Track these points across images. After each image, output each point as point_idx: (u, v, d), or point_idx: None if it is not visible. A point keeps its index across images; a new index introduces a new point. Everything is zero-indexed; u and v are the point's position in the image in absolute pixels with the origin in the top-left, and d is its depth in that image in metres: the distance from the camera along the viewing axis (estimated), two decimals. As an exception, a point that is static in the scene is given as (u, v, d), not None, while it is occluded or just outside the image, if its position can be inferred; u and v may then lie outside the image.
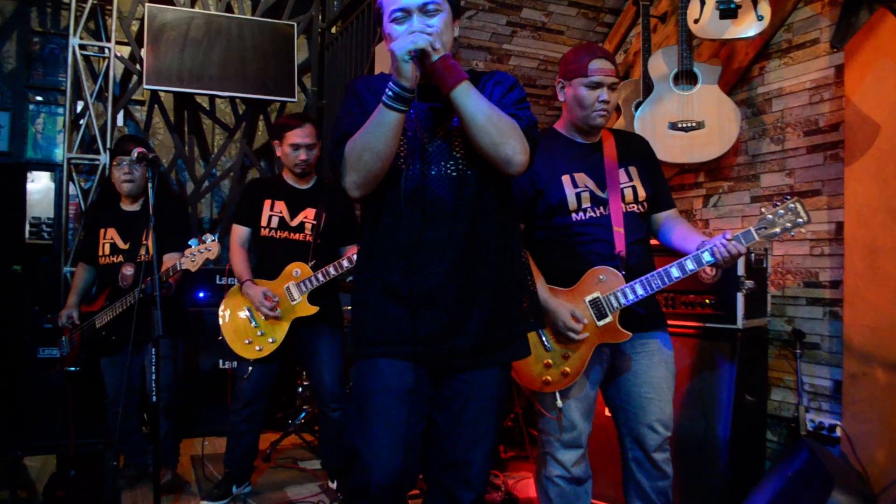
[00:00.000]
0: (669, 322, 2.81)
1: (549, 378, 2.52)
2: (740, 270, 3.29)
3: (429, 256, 1.91)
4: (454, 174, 1.95)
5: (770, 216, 2.41)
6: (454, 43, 2.04)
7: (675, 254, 2.54)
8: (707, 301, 3.41)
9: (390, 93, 1.82)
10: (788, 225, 2.39)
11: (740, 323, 3.29)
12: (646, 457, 2.56)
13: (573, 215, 2.55)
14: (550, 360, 2.52)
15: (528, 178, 2.54)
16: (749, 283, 3.26)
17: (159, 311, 2.89)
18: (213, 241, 3.31)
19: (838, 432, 3.33)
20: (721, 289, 3.35)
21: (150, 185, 3.00)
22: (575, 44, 4.97)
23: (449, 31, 1.97)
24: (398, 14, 1.93)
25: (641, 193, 2.62)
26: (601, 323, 2.50)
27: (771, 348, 3.69)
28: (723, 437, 3.20)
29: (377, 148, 1.86)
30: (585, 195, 2.55)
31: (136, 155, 3.06)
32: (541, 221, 2.60)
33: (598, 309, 2.50)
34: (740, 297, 3.29)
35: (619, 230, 2.54)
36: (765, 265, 3.53)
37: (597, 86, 2.51)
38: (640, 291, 2.48)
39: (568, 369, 2.51)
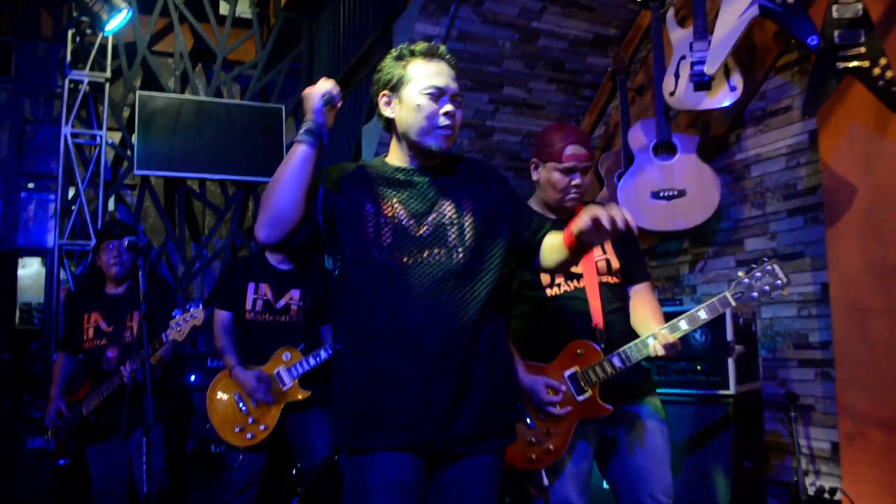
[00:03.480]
0: (661, 390, 2.81)
1: (533, 455, 2.48)
2: (729, 335, 3.30)
3: (426, 343, 1.89)
4: (450, 261, 1.94)
5: (746, 280, 2.39)
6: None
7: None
8: (698, 368, 3.41)
9: (304, 127, 1.90)
10: (767, 288, 2.37)
11: (733, 388, 3.29)
12: None
13: (546, 289, 2.55)
14: (533, 438, 2.48)
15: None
16: (739, 348, 3.27)
17: (150, 398, 2.87)
18: (197, 308, 3.27)
19: (839, 496, 3.29)
20: (711, 355, 3.36)
21: (140, 272, 3.02)
22: (556, 118, 5.10)
23: None
24: (434, 90, 1.99)
25: (615, 264, 2.63)
26: (581, 398, 2.48)
27: (766, 412, 3.67)
28: (723, 505, 3.16)
29: (283, 181, 1.88)
30: None
31: (127, 243, 3.09)
32: (514, 297, 2.60)
33: (576, 384, 2.47)
34: (731, 363, 3.30)
35: (595, 303, 2.54)
36: (753, 329, 3.55)
37: (570, 171, 2.53)
38: (617, 364, 2.44)
39: (551, 446, 2.47)
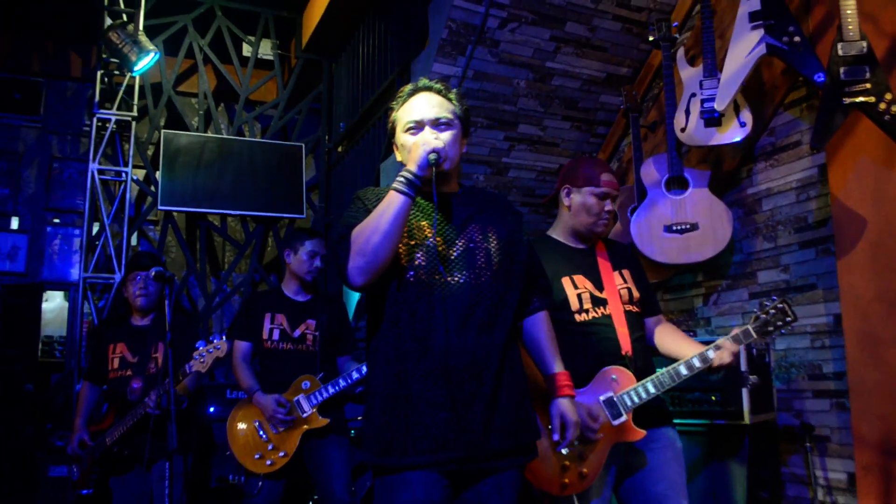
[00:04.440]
0: (677, 420, 2.85)
1: (566, 480, 2.49)
2: (743, 366, 3.34)
3: (456, 364, 1.95)
4: (478, 283, 2.02)
5: (763, 316, 2.52)
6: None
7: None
8: (713, 398, 3.44)
9: (401, 178, 1.94)
10: (780, 324, 2.51)
11: (748, 418, 3.31)
12: None
13: (576, 315, 2.62)
14: (568, 462, 2.50)
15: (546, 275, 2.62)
16: (753, 378, 3.30)
17: (174, 424, 2.93)
18: (221, 340, 3.31)
19: (857, 528, 3.28)
20: (726, 385, 3.39)
21: (167, 302, 3.10)
22: (570, 155, 5.21)
23: (457, 147, 2.12)
24: (412, 125, 2.09)
25: (636, 294, 2.73)
26: (616, 422, 2.51)
27: (781, 443, 3.68)
28: (740, 535, 3.16)
29: (386, 229, 1.90)
30: (586, 296, 2.64)
31: (153, 274, 3.17)
32: None
33: (613, 408, 2.52)
34: (745, 393, 3.33)
35: (622, 330, 2.62)
36: (767, 360, 3.58)
37: (605, 196, 2.68)
38: (651, 390, 2.52)
39: (585, 470, 2.49)
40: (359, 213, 2.08)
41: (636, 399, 2.52)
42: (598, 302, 2.64)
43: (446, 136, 2.07)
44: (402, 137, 2.11)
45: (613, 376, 2.55)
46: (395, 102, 2.17)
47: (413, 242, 2.03)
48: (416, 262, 2.01)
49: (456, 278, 2.01)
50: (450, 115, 2.11)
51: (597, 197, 2.67)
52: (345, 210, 2.17)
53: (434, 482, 1.93)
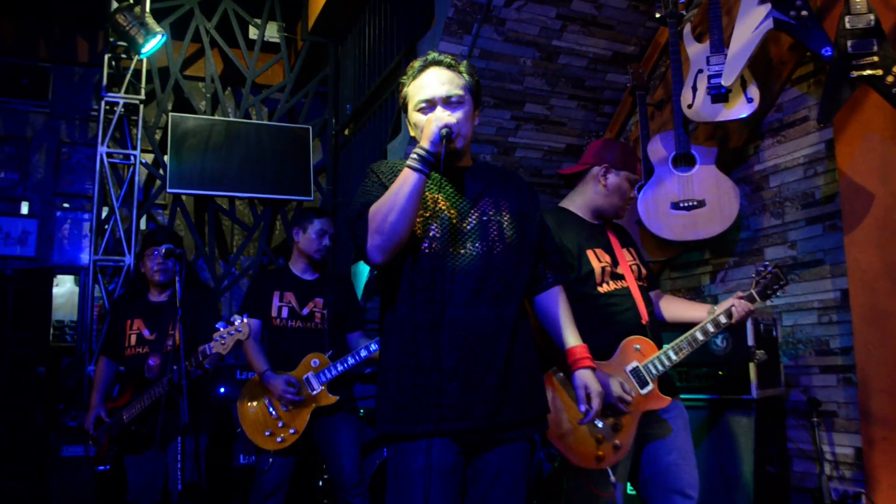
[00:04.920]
0: (684, 395, 2.89)
1: (601, 453, 2.53)
2: (750, 341, 3.35)
3: (470, 334, 1.97)
4: (490, 254, 2.04)
5: (762, 281, 2.71)
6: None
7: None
8: (720, 373, 3.45)
9: (415, 155, 1.95)
10: (776, 287, 2.71)
11: (755, 393, 3.33)
12: None
13: (598, 287, 2.67)
14: (601, 435, 2.53)
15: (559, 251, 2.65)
16: (760, 353, 3.31)
17: (185, 399, 2.96)
18: (242, 321, 3.21)
19: (863, 501, 3.30)
20: (733, 360, 3.40)
21: (177, 278, 3.13)
22: (577, 134, 5.20)
23: (469, 123, 2.13)
24: (423, 104, 2.09)
25: (643, 271, 2.83)
26: (644, 391, 2.57)
27: (789, 419, 3.70)
28: (747, 509, 3.18)
29: (403, 206, 1.92)
30: (607, 269, 2.71)
31: (164, 251, 3.20)
32: (569, 293, 2.68)
33: (640, 378, 2.59)
34: (753, 367, 3.34)
35: (640, 302, 2.71)
36: (775, 334, 3.59)
37: (635, 182, 2.84)
38: (673, 357, 2.60)
39: (618, 441, 2.53)
40: (374, 187, 2.10)
41: (660, 367, 2.60)
42: (615, 277, 2.72)
43: (458, 114, 2.08)
44: (414, 116, 2.13)
45: (636, 346, 2.62)
46: (405, 77, 2.18)
47: (427, 214, 2.06)
48: (431, 234, 2.04)
49: (469, 250, 2.03)
50: (461, 92, 2.11)
51: (630, 183, 2.80)
52: (359, 183, 2.18)
53: (447, 449, 1.96)
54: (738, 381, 3.39)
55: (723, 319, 2.64)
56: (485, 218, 2.08)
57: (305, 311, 3.73)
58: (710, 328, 2.64)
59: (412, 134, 2.15)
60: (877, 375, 3.26)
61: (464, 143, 2.11)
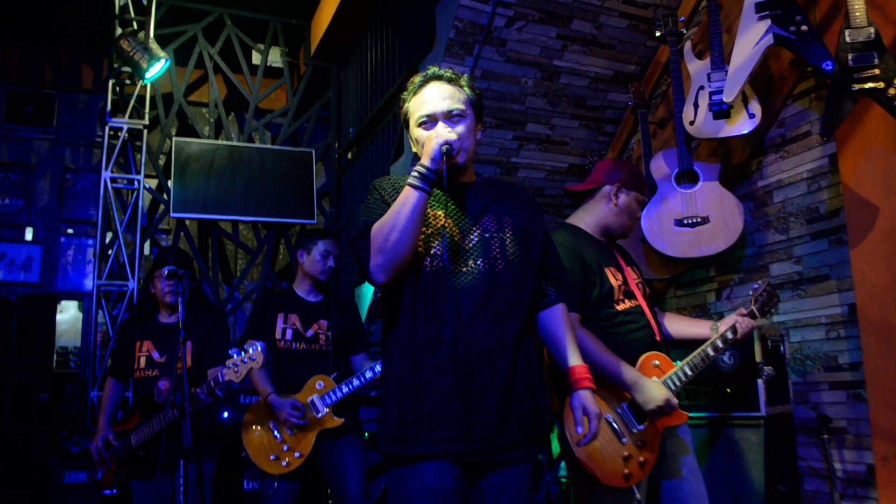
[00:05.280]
0: (693, 413, 2.94)
1: (628, 471, 2.50)
2: (758, 357, 3.32)
3: (471, 353, 1.95)
4: (493, 272, 2.02)
5: (759, 298, 2.77)
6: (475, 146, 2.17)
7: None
8: (728, 390, 3.42)
9: (416, 173, 1.94)
10: (771, 304, 2.79)
11: (763, 410, 3.29)
12: None
13: (615, 305, 2.67)
14: (626, 453, 2.51)
15: (580, 267, 2.64)
16: (768, 370, 3.28)
17: (188, 421, 2.93)
18: (257, 350, 3.14)
19: (877, 519, 3.25)
20: (740, 377, 3.37)
21: (179, 298, 3.11)
22: (580, 154, 5.21)
23: (471, 138, 2.12)
24: (424, 119, 2.08)
25: (647, 290, 2.85)
26: (677, 401, 2.57)
27: (799, 437, 3.65)
28: (758, 528, 3.13)
29: (404, 225, 1.91)
30: (622, 287, 2.71)
31: (167, 272, 3.18)
32: (588, 312, 2.66)
33: None
34: (761, 384, 3.31)
35: (651, 319, 2.73)
36: (782, 351, 3.56)
37: (643, 204, 2.90)
38: (689, 372, 2.63)
39: (643, 458, 2.52)
40: (376, 204, 2.08)
41: (678, 382, 2.62)
42: (628, 295, 2.73)
43: (460, 128, 2.07)
44: (415, 132, 2.12)
45: (655, 362, 2.64)
46: (406, 93, 2.17)
47: (429, 231, 2.04)
48: (432, 252, 2.02)
49: (471, 267, 2.01)
50: (462, 106, 2.10)
51: (639, 203, 2.84)
52: (363, 200, 2.17)
53: (446, 471, 1.93)
54: (746, 397, 3.35)
55: (730, 335, 2.68)
56: (487, 235, 2.06)
57: (310, 332, 3.70)
58: (720, 343, 2.68)
59: (414, 150, 2.14)
60: (887, 391, 3.22)
61: (466, 158, 2.09)
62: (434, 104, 2.08)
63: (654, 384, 2.51)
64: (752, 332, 2.76)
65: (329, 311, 3.76)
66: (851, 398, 3.49)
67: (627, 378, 2.48)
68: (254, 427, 3.63)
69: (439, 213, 2.06)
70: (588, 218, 2.84)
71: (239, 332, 6.83)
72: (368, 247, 1.97)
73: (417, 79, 2.16)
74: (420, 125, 2.10)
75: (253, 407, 3.71)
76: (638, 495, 2.52)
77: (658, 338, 2.69)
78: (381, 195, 2.11)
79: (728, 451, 3.35)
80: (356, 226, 2.07)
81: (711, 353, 2.67)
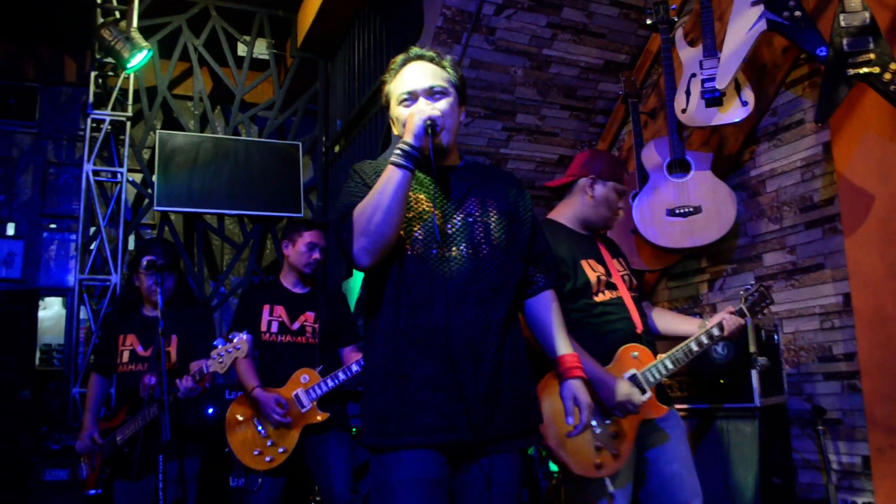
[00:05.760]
0: (687, 405, 2.94)
1: (600, 461, 2.46)
2: (752, 348, 3.27)
3: (456, 341, 1.87)
4: (476, 257, 1.95)
5: (750, 298, 2.74)
6: (459, 126, 2.10)
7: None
8: (722, 381, 3.37)
9: (399, 151, 1.86)
10: (763, 305, 2.75)
11: (757, 401, 3.24)
12: None
13: (594, 296, 2.63)
14: (599, 443, 2.47)
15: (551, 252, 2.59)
16: (762, 360, 3.22)
17: (167, 414, 2.85)
18: (242, 339, 3.05)
19: (873, 511, 3.20)
20: (734, 368, 3.32)
21: (158, 290, 3.03)
22: (570, 145, 5.15)
23: (454, 115, 2.03)
24: (405, 97, 2.01)
25: (634, 282, 2.79)
26: (642, 399, 2.51)
27: (793, 428, 3.60)
28: (752, 521, 3.08)
29: (388, 205, 1.83)
30: (602, 279, 2.66)
31: (145, 263, 3.10)
32: (564, 303, 2.61)
33: (637, 385, 2.53)
34: (755, 375, 3.26)
35: (634, 311, 2.67)
36: (776, 341, 3.51)
37: (623, 193, 2.80)
38: (669, 366, 2.57)
39: (617, 449, 2.48)
40: (357, 188, 2.00)
41: (657, 375, 2.57)
42: (609, 286, 2.69)
43: (442, 104, 1.98)
44: (396, 110, 2.04)
45: (634, 353, 2.59)
46: (387, 75, 2.09)
47: (411, 215, 1.96)
48: (415, 237, 1.94)
49: (454, 252, 1.93)
50: (444, 84, 2.02)
51: (618, 193, 2.77)
52: (344, 184, 2.09)
53: (432, 459, 1.86)
54: (740, 389, 3.30)
55: (716, 332, 2.64)
56: (470, 219, 1.99)
57: (296, 325, 3.62)
58: (705, 340, 2.64)
59: (395, 132, 2.07)
60: (882, 381, 3.18)
61: (449, 139, 2.02)
62: (415, 81, 2.01)
63: (619, 381, 2.46)
64: (739, 331, 2.70)
65: (317, 302, 3.68)
66: (846, 389, 3.45)
67: (590, 374, 2.40)
68: (238, 422, 3.55)
69: (421, 196, 1.99)
70: (567, 211, 2.80)
71: (226, 327, 6.74)
72: (351, 230, 1.88)
73: (399, 59, 2.08)
74: (401, 103, 2.02)
75: (237, 401, 3.63)
76: (611, 487, 2.48)
77: (639, 330, 2.63)
78: (362, 178, 2.03)
79: (721, 443, 3.31)
80: (337, 210, 1.99)
81: (695, 348, 2.62)
